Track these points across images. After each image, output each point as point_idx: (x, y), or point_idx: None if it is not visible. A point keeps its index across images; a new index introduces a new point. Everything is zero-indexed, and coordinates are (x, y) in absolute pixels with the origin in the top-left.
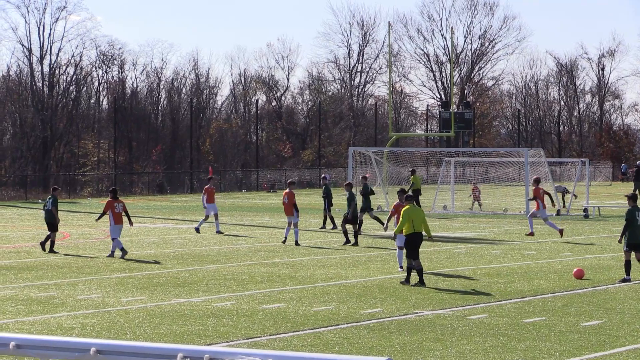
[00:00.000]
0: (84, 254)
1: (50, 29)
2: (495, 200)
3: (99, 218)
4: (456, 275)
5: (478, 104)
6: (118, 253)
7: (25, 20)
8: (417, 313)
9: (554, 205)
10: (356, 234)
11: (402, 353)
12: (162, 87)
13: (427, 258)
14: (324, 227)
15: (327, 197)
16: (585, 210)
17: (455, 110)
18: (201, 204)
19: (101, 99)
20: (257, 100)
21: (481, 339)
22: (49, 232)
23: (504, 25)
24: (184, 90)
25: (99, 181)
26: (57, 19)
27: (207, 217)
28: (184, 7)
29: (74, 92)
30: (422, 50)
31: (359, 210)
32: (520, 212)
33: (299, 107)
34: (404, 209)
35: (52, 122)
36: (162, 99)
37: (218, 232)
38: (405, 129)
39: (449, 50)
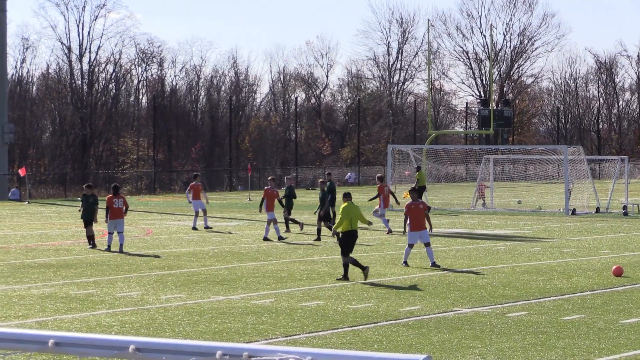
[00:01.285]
0: (124, 251)
1: (90, 27)
2: (534, 197)
3: (106, 215)
4: (495, 272)
5: (517, 102)
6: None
7: (65, 19)
8: (456, 311)
9: (397, 203)
10: (319, 230)
11: (441, 351)
12: (201, 85)
13: (466, 256)
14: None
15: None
16: (625, 207)
17: (495, 108)
18: (187, 200)
19: (140, 97)
20: (296, 98)
21: (520, 337)
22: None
23: (543, 23)
24: (223, 88)
25: (139, 179)
26: (97, 16)
27: (196, 213)
28: (223, 5)
29: (113, 90)
30: (462, 47)
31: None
32: (559, 209)
33: (338, 105)
34: (342, 206)
35: (92, 120)
36: (201, 97)
37: (205, 227)
38: (445, 126)
39: (488, 48)
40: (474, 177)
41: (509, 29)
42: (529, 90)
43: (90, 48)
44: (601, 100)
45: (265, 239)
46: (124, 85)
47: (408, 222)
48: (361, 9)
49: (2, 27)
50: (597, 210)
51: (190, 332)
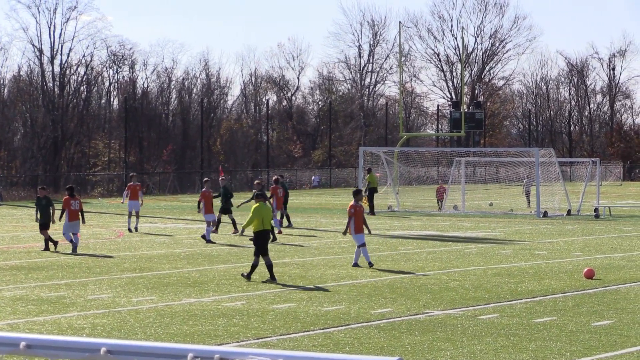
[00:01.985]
0: (95, 253)
1: (61, 29)
2: (506, 200)
3: (60, 216)
4: (467, 275)
5: (489, 104)
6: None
7: (36, 21)
8: (427, 313)
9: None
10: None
11: (413, 353)
12: (172, 87)
13: (437, 258)
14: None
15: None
16: (596, 210)
17: (466, 110)
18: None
19: (112, 99)
20: (267, 100)
21: (492, 339)
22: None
23: (515, 25)
24: (194, 90)
25: (110, 181)
26: (68, 19)
27: (130, 214)
28: (194, 7)
29: (85, 92)
30: (433, 50)
31: (218, 211)
32: (531, 212)
33: (310, 107)
34: (254, 206)
35: (63, 122)
36: (172, 99)
37: (135, 228)
38: (416, 128)
39: (459, 50)
40: (445, 180)
41: (481, 31)
42: (500, 92)
43: (61, 50)
44: (572, 103)
45: (208, 240)
46: (96, 88)
47: (352, 223)
48: (332, 11)
49: None
50: (569, 212)
51: (162, 335)
